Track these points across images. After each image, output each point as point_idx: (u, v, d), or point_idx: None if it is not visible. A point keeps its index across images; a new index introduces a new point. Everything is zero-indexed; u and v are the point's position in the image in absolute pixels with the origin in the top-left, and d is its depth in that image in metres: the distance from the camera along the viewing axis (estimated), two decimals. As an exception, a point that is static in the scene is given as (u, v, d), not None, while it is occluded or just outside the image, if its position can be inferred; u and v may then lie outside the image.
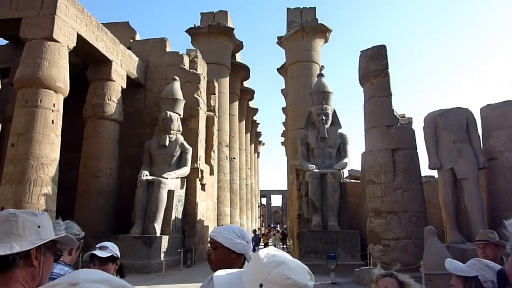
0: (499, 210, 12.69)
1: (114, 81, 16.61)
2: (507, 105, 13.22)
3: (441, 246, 11.07)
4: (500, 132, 13.18)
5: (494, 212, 12.94)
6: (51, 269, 1.69)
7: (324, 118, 17.50)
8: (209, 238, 2.36)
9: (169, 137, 16.94)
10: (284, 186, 48.15)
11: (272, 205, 74.63)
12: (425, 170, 14.45)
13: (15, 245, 1.40)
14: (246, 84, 37.40)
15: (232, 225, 2.27)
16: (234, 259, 2.08)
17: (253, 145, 49.55)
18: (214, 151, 21.83)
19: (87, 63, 16.46)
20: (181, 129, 17.56)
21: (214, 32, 27.49)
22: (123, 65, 17.36)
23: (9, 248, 1.38)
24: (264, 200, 70.66)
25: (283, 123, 45.58)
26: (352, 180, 19.84)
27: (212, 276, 1.92)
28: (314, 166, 16.61)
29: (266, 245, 30.27)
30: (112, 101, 16.58)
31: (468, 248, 11.25)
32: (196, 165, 18.25)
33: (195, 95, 19.28)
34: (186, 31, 28.28)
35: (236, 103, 32.76)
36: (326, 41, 27.25)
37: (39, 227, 1.50)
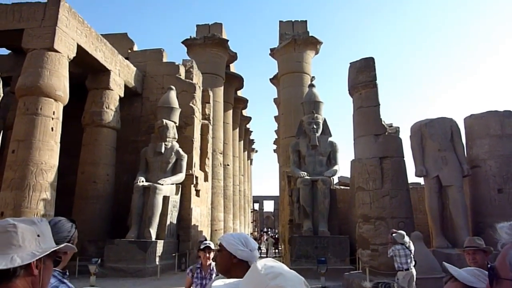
0: (483, 216, 13.14)
1: (112, 90, 17.01)
2: (489, 115, 13.70)
3: (427, 251, 11.40)
4: (483, 141, 13.65)
5: (478, 217, 13.37)
6: (51, 275, 1.65)
7: (315, 126, 17.89)
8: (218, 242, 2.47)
9: (165, 144, 17.30)
10: (276, 192, 48.49)
11: (265, 210, 74.70)
12: (412, 177, 14.82)
13: (16, 257, 1.39)
14: (239, 93, 37.81)
15: (241, 233, 2.29)
16: (235, 264, 2.15)
17: (246, 152, 49.84)
18: (208, 158, 22.20)
19: (86, 72, 16.84)
20: (176, 136, 17.93)
21: (209, 44, 28.00)
22: (121, 74, 17.77)
23: (10, 261, 1.37)
24: (256, 206, 70.77)
25: (275, 131, 45.99)
26: (342, 187, 20.16)
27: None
28: (305, 173, 16.93)
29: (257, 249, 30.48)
30: (110, 109, 16.96)
31: (453, 253, 11.64)
32: (191, 172, 18.60)
33: (191, 104, 19.70)
34: (182, 42, 28.71)
35: (230, 112, 33.17)
36: (317, 52, 27.81)
37: (38, 236, 1.49)
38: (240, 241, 2.16)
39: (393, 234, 8.98)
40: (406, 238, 8.81)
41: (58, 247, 1.55)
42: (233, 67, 34.53)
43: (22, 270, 1.41)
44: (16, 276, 1.40)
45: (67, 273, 2.28)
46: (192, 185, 18.73)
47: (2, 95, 17.17)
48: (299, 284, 1.26)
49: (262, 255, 29.38)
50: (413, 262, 8.69)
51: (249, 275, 1.34)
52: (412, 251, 8.82)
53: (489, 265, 1.44)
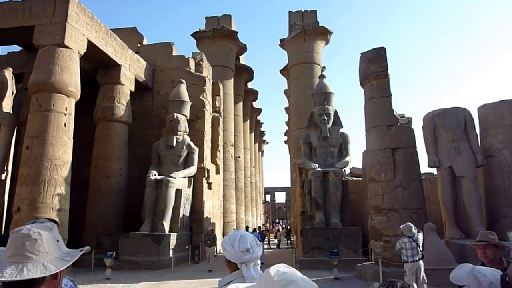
0: (497, 206, 13.02)
1: (123, 84, 17.11)
2: (503, 104, 13.49)
3: (440, 242, 11.34)
4: (497, 131, 13.46)
5: (491, 208, 13.24)
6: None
7: (326, 118, 17.75)
8: None
9: (176, 138, 17.41)
10: (287, 183, 48.54)
11: (276, 201, 74.88)
12: (425, 167, 14.70)
13: (48, 264, 1.43)
14: (250, 85, 37.76)
15: (235, 232, 2.27)
16: (228, 262, 2.21)
17: (257, 144, 49.88)
18: (219, 151, 22.29)
19: (97, 67, 16.96)
20: (187, 130, 18.03)
21: (218, 36, 27.98)
22: (132, 69, 17.85)
23: (45, 269, 1.41)
24: (268, 197, 70.97)
25: (286, 122, 45.93)
26: (354, 178, 20.02)
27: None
28: (317, 165, 16.85)
29: (269, 241, 30.66)
30: (121, 104, 17.08)
31: (466, 244, 11.55)
32: (202, 165, 18.72)
33: (201, 97, 19.73)
34: (192, 35, 28.73)
35: (241, 104, 33.18)
36: (327, 42, 27.57)
37: (57, 241, 1.53)
38: (231, 242, 2.17)
39: (401, 227, 9.06)
40: (414, 231, 8.83)
41: (83, 252, 1.61)
42: (243, 59, 34.45)
43: (49, 276, 1.44)
44: (44, 282, 1.43)
45: None
46: (204, 178, 18.84)
47: (15, 91, 17.44)
48: None
49: (272, 246, 29.53)
50: (420, 255, 8.73)
51: (261, 281, 1.35)
52: (420, 244, 8.84)
53: (501, 273, 1.44)
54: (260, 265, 2.19)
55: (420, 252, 8.79)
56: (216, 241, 16.04)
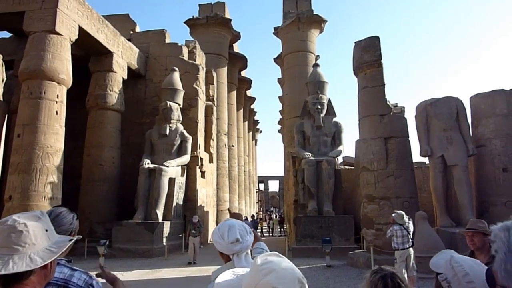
0: (487, 195, 13.20)
1: (115, 72, 16.93)
2: (495, 94, 13.60)
3: (431, 230, 11.48)
4: (489, 120, 13.59)
5: (482, 196, 13.42)
6: (56, 263, 1.67)
7: (319, 107, 17.78)
8: None
9: (169, 126, 17.33)
10: (281, 172, 48.63)
11: (270, 190, 75.19)
12: (417, 156, 14.83)
13: (35, 256, 1.40)
14: (243, 73, 37.57)
15: (224, 223, 2.19)
16: (220, 254, 2.19)
17: (250, 132, 49.86)
18: (213, 140, 22.26)
19: (89, 55, 16.74)
20: (181, 118, 17.94)
21: (212, 23, 27.72)
22: (124, 56, 17.65)
23: (31, 262, 1.38)
24: (261, 186, 71.23)
25: (279, 111, 45.87)
26: (347, 167, 20.16)
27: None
28: (310, 154, 16.94)
29: (262, 229, 30.94)
30: (114, 92, 16.93)
31: (456, 232, 11.72)
32: (196, 153, 18.69)
33: (194, 85, 19.60)
34: (185, 22, 28.42)
35: (234, 93, 33.06)
36: (321, 31, 27.39)
37: (46, 230, 1.50)
38: (220, 233, 2.13)
39: (393, 215, 9.17)
40: (405, 218, 8.95)
41: (71, 242, 1.57)
42: (237, 47, 34.21)
43: (39, 268, 1.42)
44: (33, 273, 1.42)
45: (71, 260, 2.25)
46: (197, 167, 18.83)
47: (5, 78, 17.17)
48: (291, 282, 1.26)
49: (265, 234, 29.77)
50: (410, 243, 8.85)
51: (250, 267, 1.37)
52: (411, 232, 8.96)
53: (487, 268, 1.48)
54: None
55: (410, 240, 8.91)
56: (201, 231, 15.49)
